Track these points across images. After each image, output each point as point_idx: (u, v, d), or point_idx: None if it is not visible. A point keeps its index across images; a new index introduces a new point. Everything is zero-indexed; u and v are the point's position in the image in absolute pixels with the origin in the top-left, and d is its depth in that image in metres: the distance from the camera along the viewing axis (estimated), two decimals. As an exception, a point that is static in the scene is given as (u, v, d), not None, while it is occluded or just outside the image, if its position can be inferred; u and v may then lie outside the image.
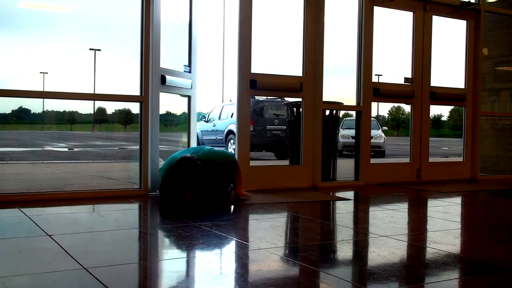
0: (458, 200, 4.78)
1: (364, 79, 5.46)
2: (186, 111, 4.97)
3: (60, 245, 2.47)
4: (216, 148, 4.38)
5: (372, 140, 12.28)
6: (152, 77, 4.30)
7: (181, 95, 4.86)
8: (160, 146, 4.66)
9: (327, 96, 5.35)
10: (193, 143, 4.96)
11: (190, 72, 4.85)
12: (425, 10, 5.90)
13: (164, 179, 4.02)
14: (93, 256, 2.33)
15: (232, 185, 4.19)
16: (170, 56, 4.80)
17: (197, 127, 5.64)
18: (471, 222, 3.82)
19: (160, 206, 3.91)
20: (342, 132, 13.73)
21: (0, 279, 1.92)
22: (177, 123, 5.23)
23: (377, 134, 14.93)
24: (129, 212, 3.84)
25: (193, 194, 3.89)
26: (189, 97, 4.89)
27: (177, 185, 3.87)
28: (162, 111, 4.63)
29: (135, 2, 4.30)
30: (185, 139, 4.95)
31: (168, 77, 4.43)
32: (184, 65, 4.79)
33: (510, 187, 5.80)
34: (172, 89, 4.59)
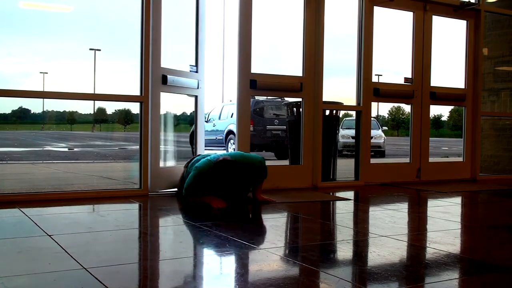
0: (458, 200, 4.77)
1: (364, 79, 5.46)
2: (192, 110, 4.94)
3: (60, 245, 2.47)
4: (244, 152, 4.33)
5: (372, 140, 12.28)
6: (152, 77, 4.30)
7: (188, 95, 4.83)
8: (166, 147, 4.66)
9: (327, 96, 5.36)
10: (201, 143, 4.93)
11: (197, 72, 4.80)
12: (425, 10, 5.90)
13: (198, 182, 3.89)
14: (93, 256, 2.33)
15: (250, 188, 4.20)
16: (175, 56, 4.78)
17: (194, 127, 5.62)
18: (471, 222, 3.82)
19: (181, 205, 3.91)
20: (342, 132, 13.73)
21: (0, 279, 1.92)
22: (181, 123, 5.22)
23: (377, 134, 14.93)
24: (129, 212, 3.83)
25: (227, 197, 3.92)
26: (196, 97, 4.84)
27: (217, 187, 3.89)
28: (166, 111, 4.63)
29: (135, 2, 4.30)
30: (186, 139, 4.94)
31: (170, 77, 4.41)
32: (190, 65, 4.75)
33: (510, 187, 5.79)
34: (176, 89, 4.56)
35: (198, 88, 4.79)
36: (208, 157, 4.04)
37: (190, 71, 4.75)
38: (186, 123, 5.33)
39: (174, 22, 4.77)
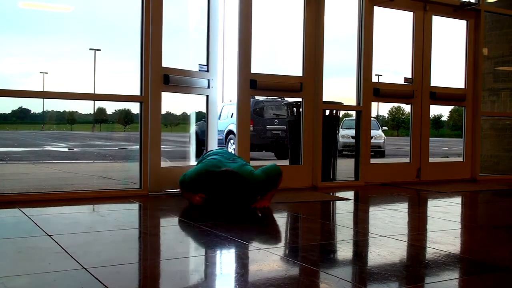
0: (458, 200, 4.77)
1: (364, 79, 5.46)
2: (192, 110, 4.90)
3: (60, 245, 2.47)
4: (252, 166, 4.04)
5: (372, 140, 12.29)
6: (152, 76, 4.29)
7: (199, 94, 4.77)
8: (167, 147, 4.63)
9: (327, 96, 5.36)
10: (213, 145, 4.90)
11: (207, 71, 4.75)
12: (425, 10, 5.90)
13: (198, 180, 3.72)
14: (93, 256, 2.33)
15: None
16: (182, 55, 4.74)
17: (196, 127, 5.62)
18: (471, 222, 3.82)
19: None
20: (342, 132, 13.74)
21: (0, 279, 1.92)
22: (185, 122, 5.20)
23: (377, 134, 14.93)
24: (129, 212, 3.83)
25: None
26: (207, 97, 4.79)
27: (218, 195, 3.65)
28: (169, 111, 4.61)
29: (135, 1, 4.30)
30: (186, 139, 4.93)
31: (172, 77, 4.38)
32: (200, 64, 4.69)
33: (510, 187, 5.80)
34: (183, 89, 4.54)
35: (209, 87, 4.73)
36: (212, 158, 3.90)
37: (200, 70, 4.68)
38: (185, 122, 5.33)
39: (181, 22, 4.75)
